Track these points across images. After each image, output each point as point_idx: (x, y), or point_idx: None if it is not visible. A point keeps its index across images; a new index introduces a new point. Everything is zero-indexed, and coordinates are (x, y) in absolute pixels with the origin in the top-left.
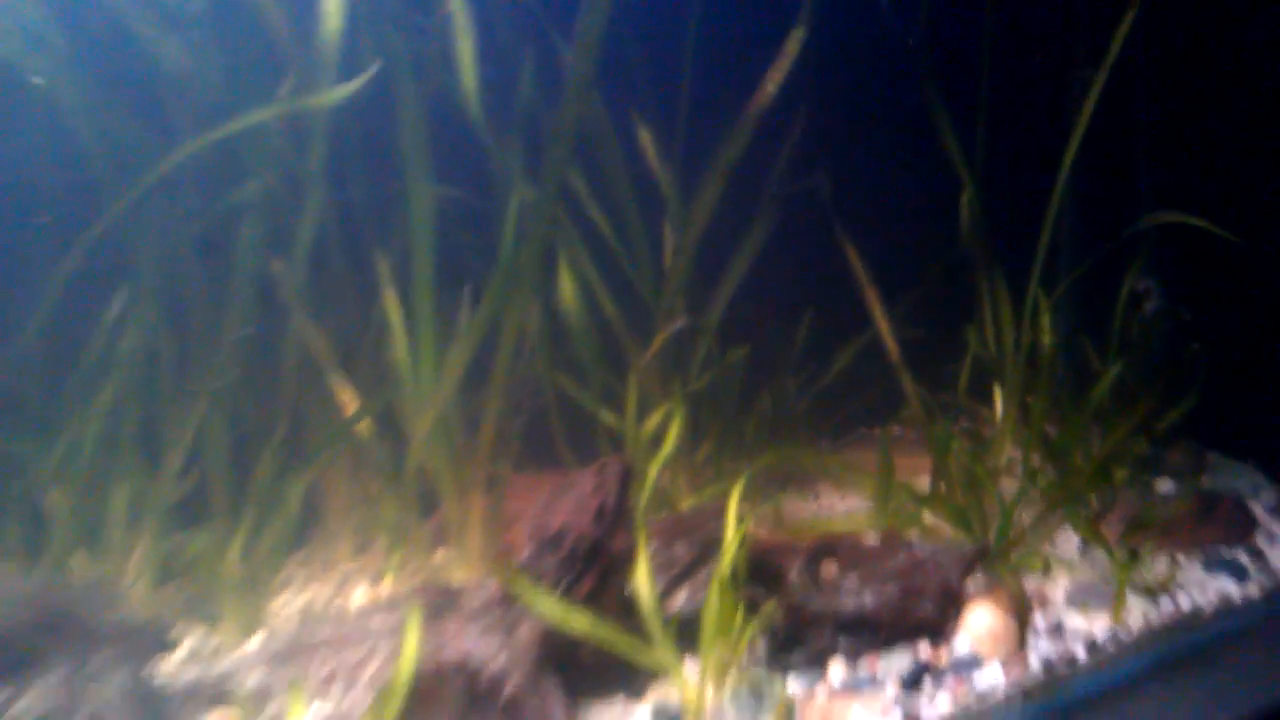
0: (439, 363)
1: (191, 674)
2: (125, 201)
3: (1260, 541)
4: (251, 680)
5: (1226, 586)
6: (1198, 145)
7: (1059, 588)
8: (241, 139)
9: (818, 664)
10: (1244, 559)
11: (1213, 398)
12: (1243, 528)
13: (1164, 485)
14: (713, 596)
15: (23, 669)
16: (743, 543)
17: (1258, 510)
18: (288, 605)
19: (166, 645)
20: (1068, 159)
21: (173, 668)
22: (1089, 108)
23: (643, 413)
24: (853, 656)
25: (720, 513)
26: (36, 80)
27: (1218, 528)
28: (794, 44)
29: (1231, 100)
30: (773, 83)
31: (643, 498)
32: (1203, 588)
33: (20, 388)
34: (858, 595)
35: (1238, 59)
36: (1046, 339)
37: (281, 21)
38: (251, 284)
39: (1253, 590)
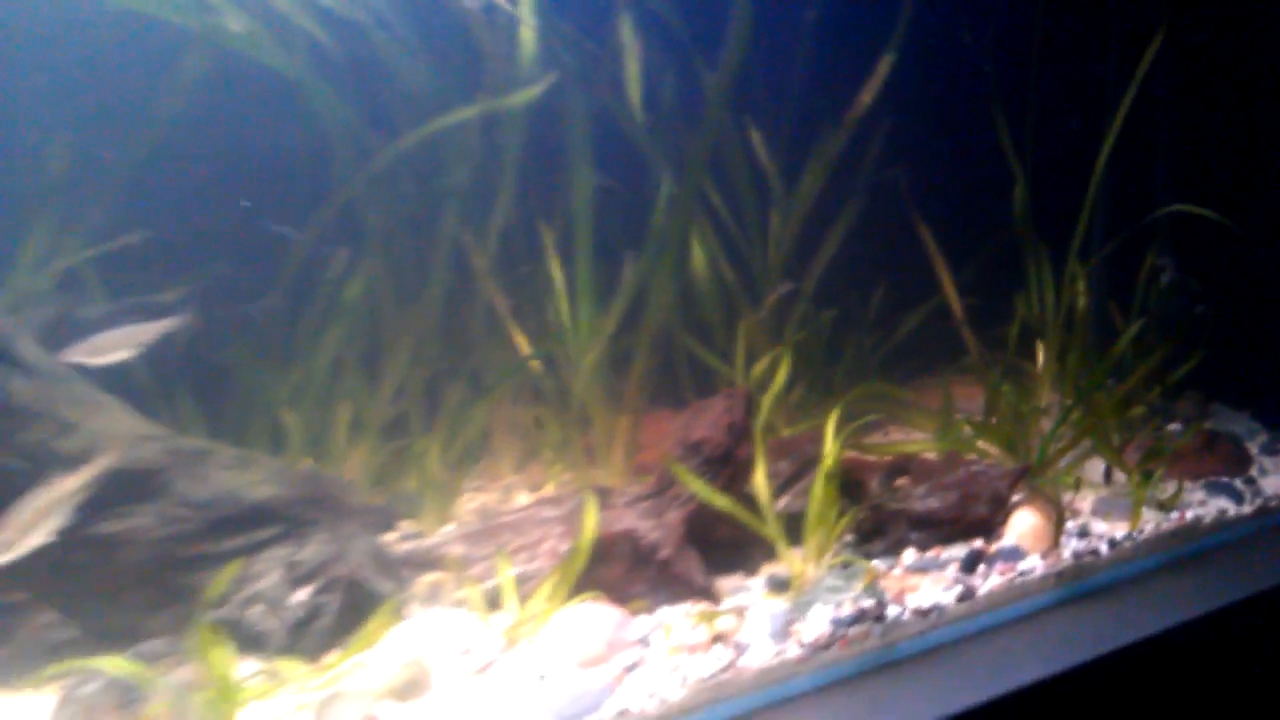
0: (597, 317)
1: (406, 548)
2: (358, 181)
3: (1254, 473)
4: (454, 552)
5: (1223, 505)
6: (1208, 145)
7: (1087, 502)
8: (446, 138)
9: (894, 551)
10: (1239, 485)
11: (1217, 355)
12: (1239, 462)
13: (1174, 428)
14: (816, 489)
15: (301, 529)
16: (831, 462)
17: (1252, 449)
18: (467, 506)
19: (390, 525)
20: (1102, 156)
21: (391, 543)
22: (1120, 114)
23: (751, 361)
24: (922, 546)
25: (814, 439)
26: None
27: (1218, 460)
28: (885, 66)
29: (1235, 107)
30: (867, 96)
31: (759, 421)
32: (1203, 506)
33: (268, 327)
34: (925, 500)
35: (1242, 76)
36: (1081, 302)
37: (490, 42)
38: (450, 250)
39: (1245, 509)
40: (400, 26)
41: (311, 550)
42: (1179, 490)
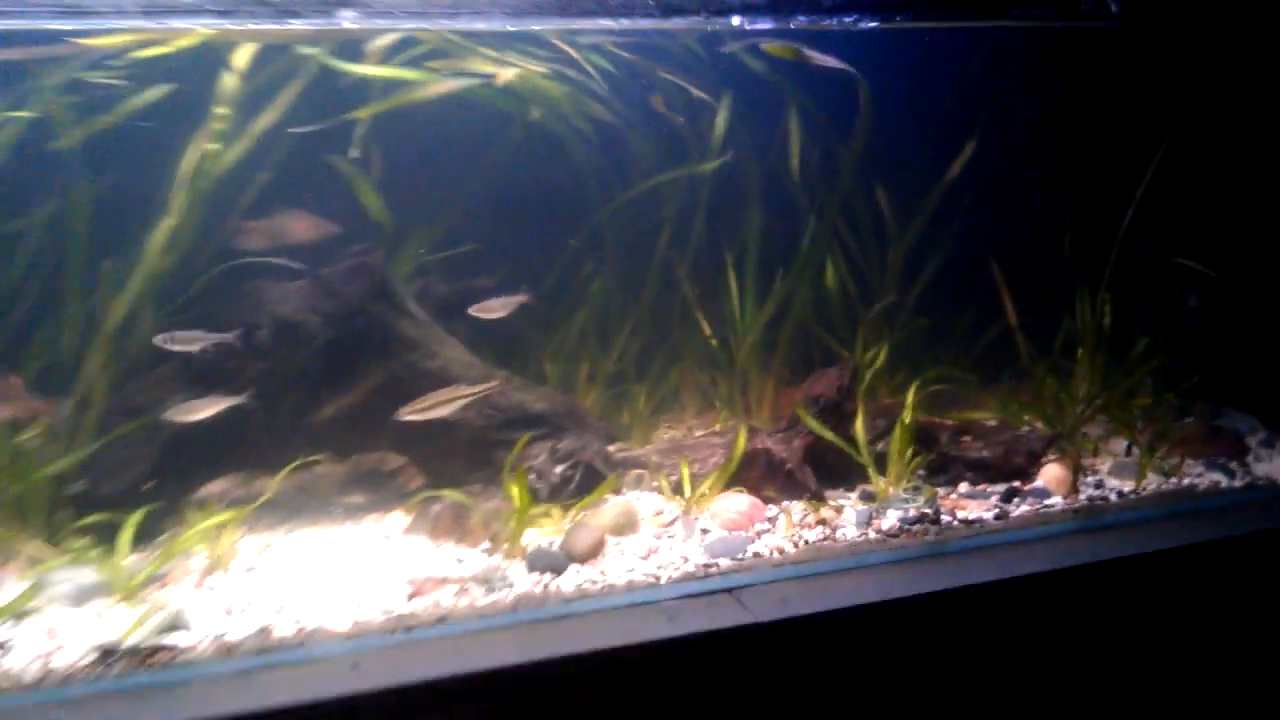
0: (757, 311)
1: (621, 454)
2: (603, 212)
3: (1249, 460)
4: (652, 459)
5: (1218, 478)
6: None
7: (1104, 464)
8: (662, 186)
9: (952, 484)
10: (1234, 466)
11: (1230, 366)
12: (1237, 449)
13: (1188, 421)
14: (897, 434)
15: (560, 431)
16: (915, 409)
17: (1251, 442)
18: (661, 436)
19: (612, 440)
20: (1130, 210)
21: (612, 451)
22: (1148, 175)
23: (863, 349)
24: (973, 482)
25: (903, 406)
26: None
27: (1219, 446)
28: (968, 150)
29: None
30: (955, 168)
31: (861, 387)
32: (1200, 478)
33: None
34: (979, 451)
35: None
36: (1106, 321)
37: (683, 121)
38: (660, 261)
39: (1235, 484)
40: (634, 114)
41: (566, 444)
42: (1180, 463)
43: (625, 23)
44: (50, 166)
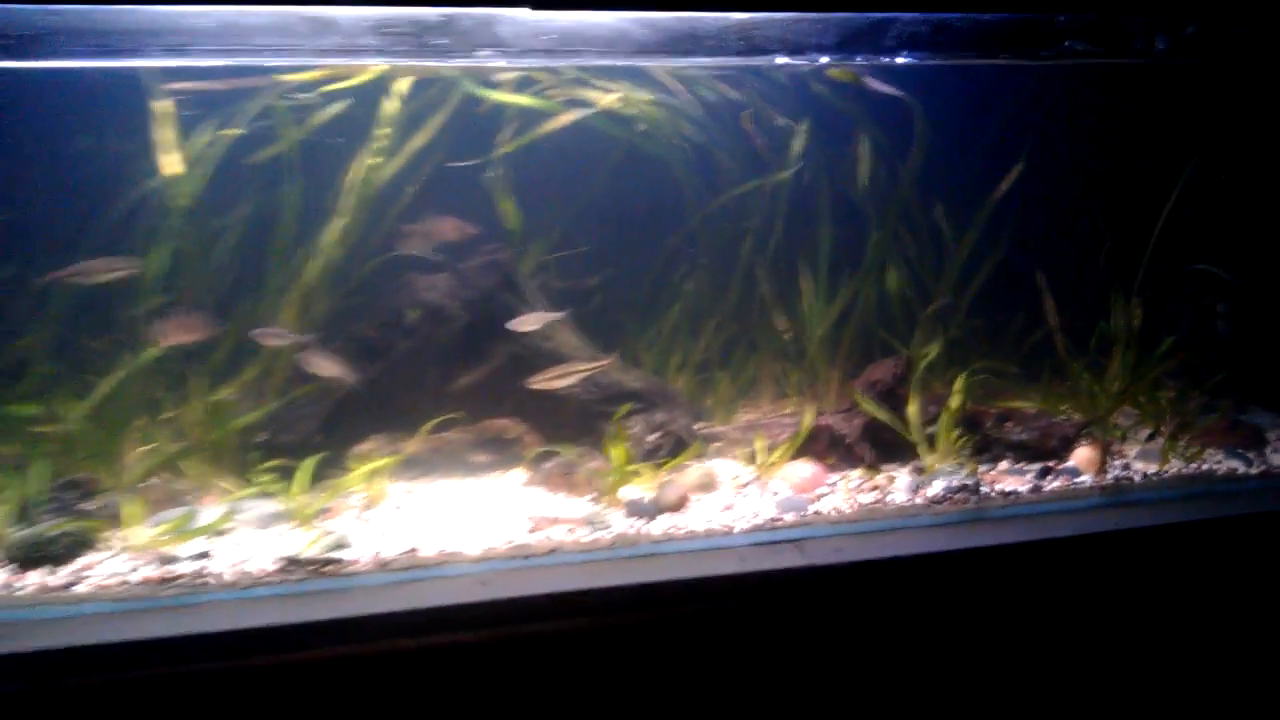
0: (826, 309)
1: (705, 430)
2: (695, 219)
3: (1267, 452)
4: (731, 434)
5: (1235, 465)
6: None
7: (1131, 450)
8: (746, 197)
9: (993, 462)
10: (1252, 456)
11: (1255, 368)
12: (1257, 441)
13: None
14: (944, 417)
15: (653, 406)
16: (965, 394)
17: (1270, 436)
18: (740, 417)
19: (698, 418)
20: (1160, 222)
21: (697, 427)
22: (1175, 192)
23: (921, 344)
24: (1012, 461)
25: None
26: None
27: (1239, 438)
28: (1014, 173)
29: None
30: (1005, 184)
31: (915, 376)
32: (1219, 464)
33: (635, 301)
34: (1019, 434)
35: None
36: (1136, 323)
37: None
38: (743, 263)
39: (1252, 471)
40: (723, 135)
41: (658, 417)
42: (1201, 451)
43: (720, 60)
44: (245, 176)
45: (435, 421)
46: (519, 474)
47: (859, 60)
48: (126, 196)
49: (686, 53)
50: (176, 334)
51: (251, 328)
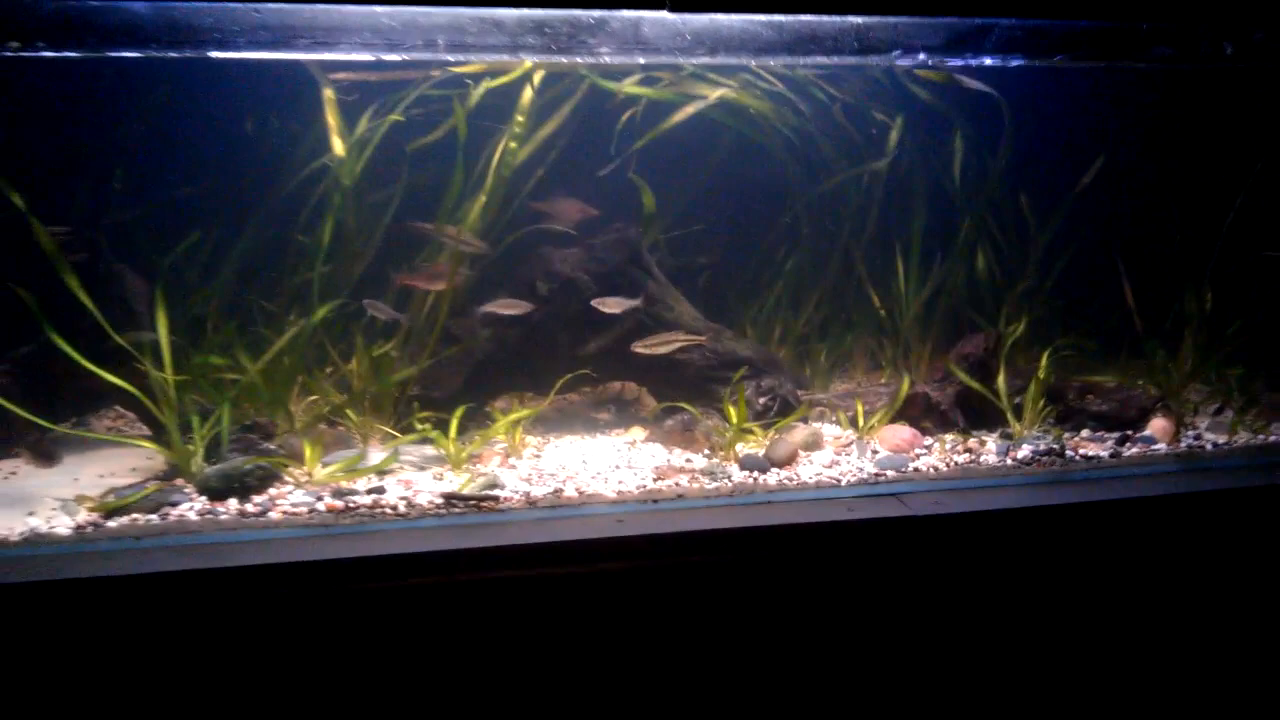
0: (918, 289)
1: (806, 396)
2: (799, 204)
3: None
4: (830, 402)
5: None
6: None
7: (1202, 422)
8: (846, 184)
9: (1076, 430)
10: None
11: None
12: None
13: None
14: (1032, 388)
15: (761, 373)
16: (1050, 368)
17: None
18: (836, 388)
19: (800, 386)
20: (1231, 214)
21: (800, 393)
22: (1248, 184)
23: (1007, 322)
24: (1093, 430)
25: (1038, 368)
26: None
27: None
28: (1096, 166)
29: None
30: (1088, 177)
31: (1003, 351)
32: None
33: (741, 278)
34: (1099, 405)
35: None
36: (1207, 307)
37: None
38: (842, 245)
39: None
40: (825, 125)
41: (766, 382)
42: (1267, 424)
43: (835, 59)
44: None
45: (565, 379)
46: (638, 431)
47: (959, 61)
48: (295, 174)
49: (807, 52)
50: (427, 282)
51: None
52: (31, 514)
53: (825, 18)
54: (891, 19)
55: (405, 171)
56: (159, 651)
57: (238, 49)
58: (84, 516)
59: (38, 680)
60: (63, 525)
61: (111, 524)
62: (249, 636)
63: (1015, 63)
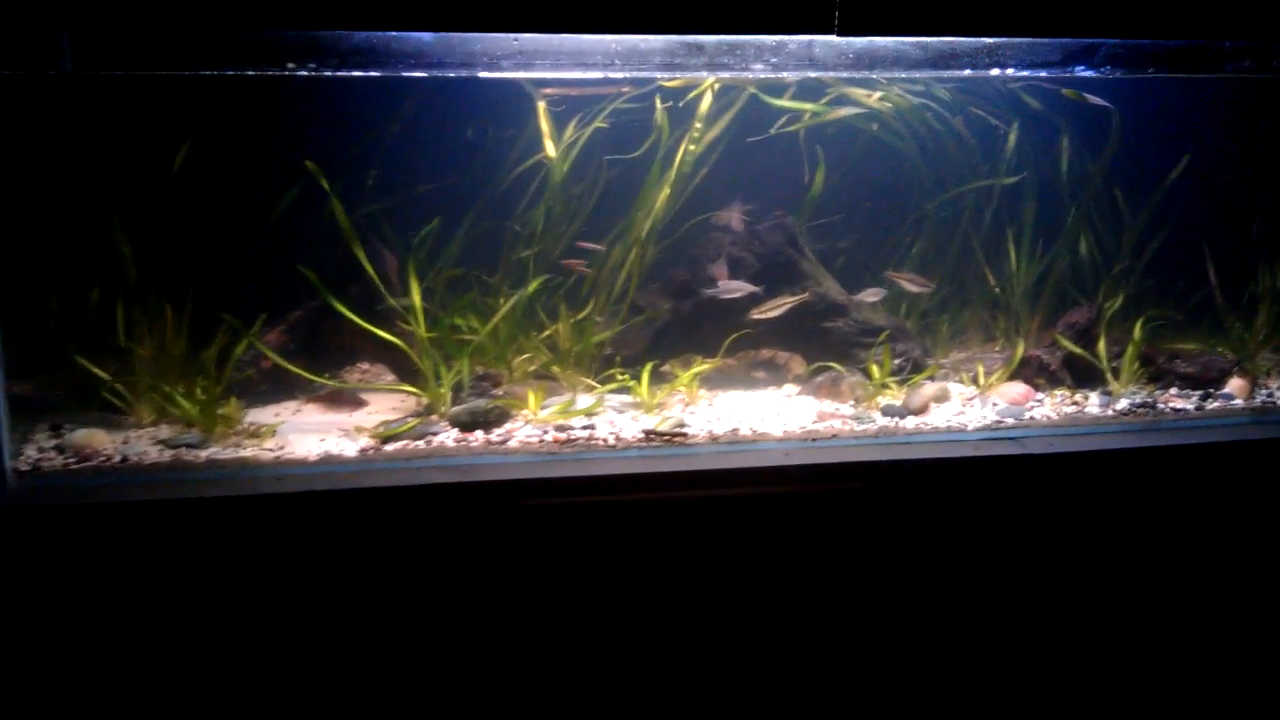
0: (1029, 269)
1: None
2: (930, 204)
3: None
4: (954, 364)
5: None
6: None
7: (1274, 382)
8: (968, 178)
9: (1165, 388)
10: None
11: None
12: None
13: None
14: (1128, 353)
15: (895, 339)
16: (1141, 340)
17: None
18: (955, 356)
19: (926, 352)
20: None
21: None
22: None
23: (1105, 298)
24: (1180, 389)
25: (1132, 336)
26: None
27: None
28: (1180, 167)
29: None
30: (1174, 174)
31: (1103, 321)
32: None
33: (873, 260)
34: (1185, 367)
35: None
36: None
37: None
38: (961, 233)
39: None
40: (949, 127)
41: (900, 346)
42: None
43: (968, 72)
44: (597, 159)
45: (732, 338)
46: (790, 388)
47: (1068, 73)
48: (509, 173)
49: (946, 67)
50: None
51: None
52: (322, 440)
53: (963, 39)
54: (1017, 39)
55: (601, 169)
56: (428, 548)
57: (499, 70)
58: (365, 443)
59: (329, 572)
60: (349, 449)
61: (387, 448)
62: (499, 539)
63: (1115, 74)
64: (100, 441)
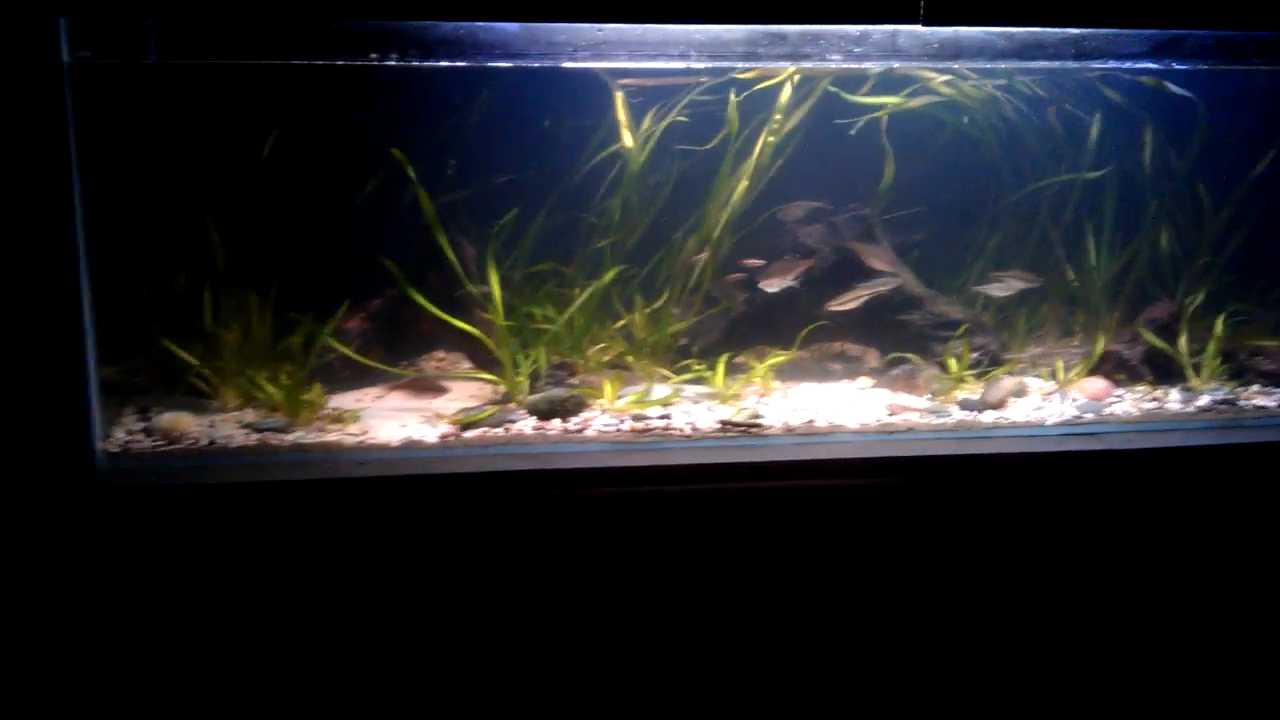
0: (1108, 263)
1: (1008, 355)
2: (1011, 195)
3: None
4: (1031, 359)
5: None
6: None
7: None
8: (1048, 170)
9: (1246, 385)
10: None
11: None
12: None
13: None
14: (1210, 348)
15: (973, 332)
16: (1224, 333)
17: None
18: (1032, 350)
19: (1002, 345)
20: None
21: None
22: None
23: (1186, 293)
24: (1262, 385)
25: (1213, 333)
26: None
27: None
28: (1266, 160)
29: None
30: (1260, 166)
31: (1184, 317)
32: None
33: (949, 253)
34: (1267, 365)
35: None
36: None
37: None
38: (1039, 226)
39: None
40: (1032, 121)
41: (977, 339)
42: None
43: (1056, 64)
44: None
45: (807, 330)
46: (864, 381)
47: (1155, 65)
48: (585, 164)
49: (1032, 58)
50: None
51: (682, 259)
52: (404, 425)
53: (1050, 29)
54: (1104, 30)
55: (675, 160)
56: (507, 534)
57: (583, 60)
58: (445, 429)
59: (409, 555)
60: (429, 435)
61: (467, 435)
62: (577, 526)
63: (1202, 67)
64: (187, 424)
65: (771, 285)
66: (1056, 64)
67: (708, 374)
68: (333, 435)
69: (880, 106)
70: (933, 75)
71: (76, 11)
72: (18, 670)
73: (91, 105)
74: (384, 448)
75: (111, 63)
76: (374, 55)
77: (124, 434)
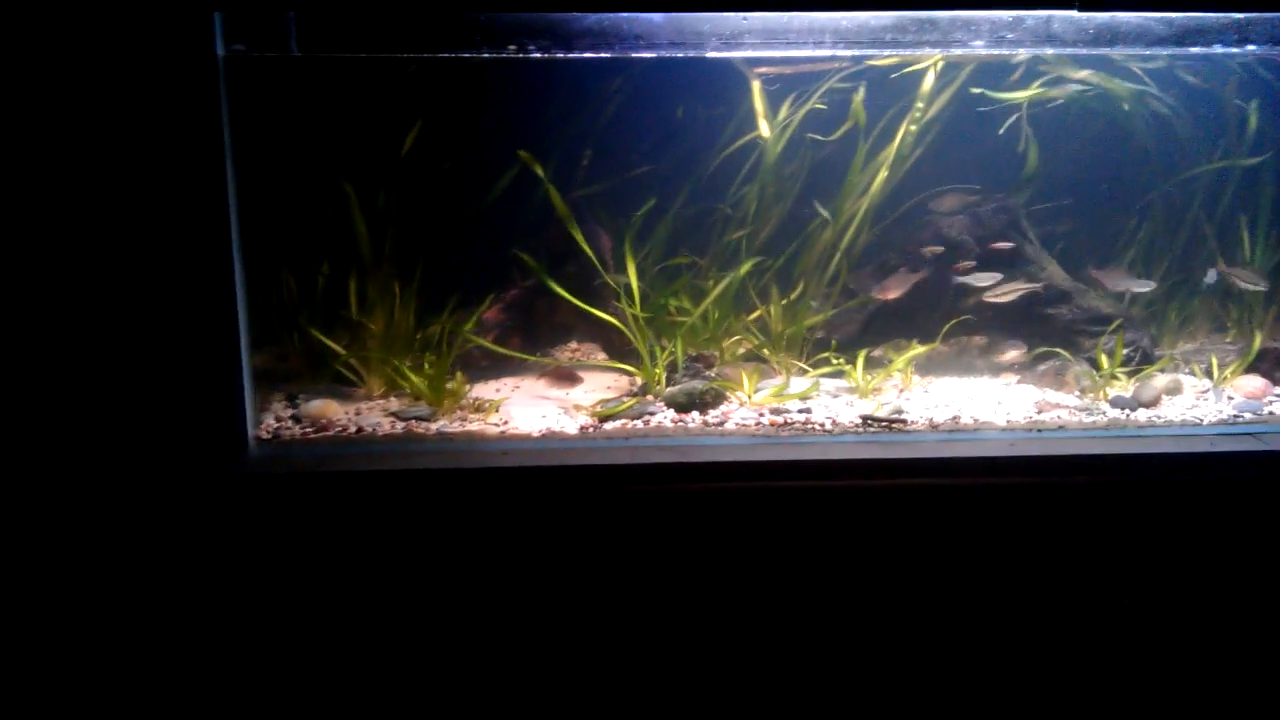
0: (1266, 258)
1: (1158, 353)
2: (1161, 185)
3: None
4: (1181, 355)
5: None
6: None
7: None
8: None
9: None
10: None
11: None
12: None
13: None
14: (1254, 344)
15: (1124, 328)
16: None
17: None
18: (1182, 347)
19: (1153, 340)
20: None
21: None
22: None
23: None
24: None
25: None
26: None
27: None
28: None
29: None
30: None
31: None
32: None
33: (1095, 244)
34: None
35: None
36: None
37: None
38: (1191, 218)
39: None
40: (1181, 110)
41: (1128, 335)
42: None
43: (1193, 49)
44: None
45: (948, 325)
46: (1009, 376)
47: None
48: (720, 153)
49: (1192, 44)
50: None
51: (807, 253)
52: (543, 416)
53: (1211, 15)
54: (1271, 14)
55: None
56: (648, 527)
57: (724, 49)
58: (584, 420)
59: (551, 544)
60: (569, 426)
61: (606, 427)
62: (717, 520)
63: None
64: (334, 412)
65: (888, 294)
66: (1217, 49)
67: (846, 367)
68: (475, 425)
69: (1030, 91)
70: (1090, 65)
71: (230, 5)
72: (178, 650)
73: (244, 98)
74: (525, 438)
75: (264, 56)
76: (511, 48)
77: (274, 421)
